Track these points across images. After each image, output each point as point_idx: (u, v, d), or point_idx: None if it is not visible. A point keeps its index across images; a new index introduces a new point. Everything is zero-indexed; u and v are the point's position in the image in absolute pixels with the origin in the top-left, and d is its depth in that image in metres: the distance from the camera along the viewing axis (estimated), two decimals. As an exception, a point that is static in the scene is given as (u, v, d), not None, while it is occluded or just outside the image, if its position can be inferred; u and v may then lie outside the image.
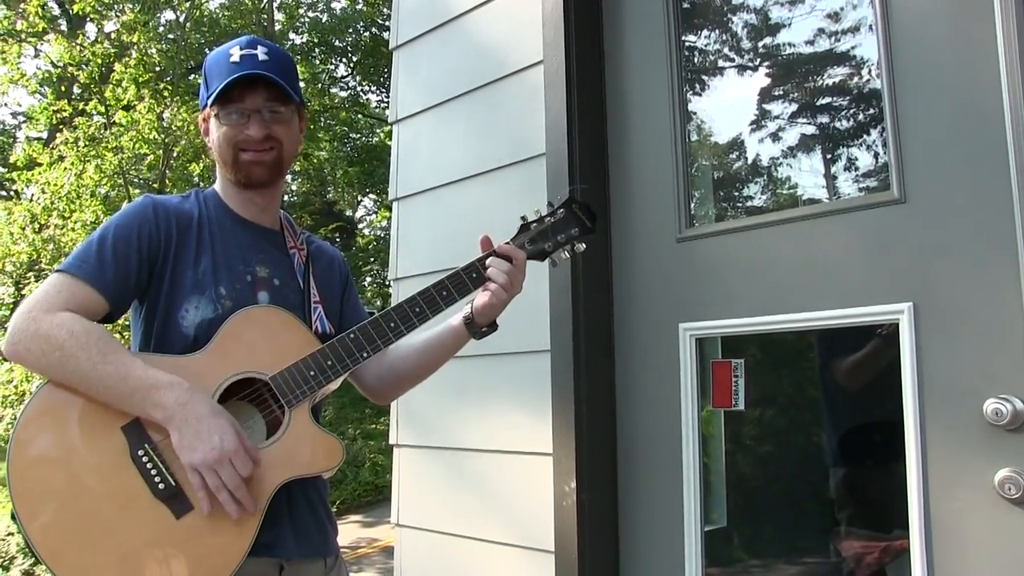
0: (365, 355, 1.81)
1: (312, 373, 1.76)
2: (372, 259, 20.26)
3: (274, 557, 1.77)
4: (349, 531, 10.81)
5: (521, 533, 2.67)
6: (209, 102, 1.85)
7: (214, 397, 1.71)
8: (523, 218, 1.95)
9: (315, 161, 20.10)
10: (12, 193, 16.83)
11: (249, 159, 1.87)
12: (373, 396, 2.13)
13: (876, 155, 2.19)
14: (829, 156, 2.34)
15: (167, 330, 1.81)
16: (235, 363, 1.75)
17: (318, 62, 20.88)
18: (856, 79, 2.25)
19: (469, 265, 1.88)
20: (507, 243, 1.91)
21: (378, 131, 21.59)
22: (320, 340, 1.82)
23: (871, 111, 2.22)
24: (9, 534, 9.41)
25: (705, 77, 2.63)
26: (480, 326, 1.94)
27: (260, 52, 1.87)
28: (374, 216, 23.56)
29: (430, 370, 2.07)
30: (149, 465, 1.66)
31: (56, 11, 17.73)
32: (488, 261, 1.88)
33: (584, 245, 1.96)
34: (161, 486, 1.66)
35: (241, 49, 1.86)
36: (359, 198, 23.80)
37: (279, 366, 1.75)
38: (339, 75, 22.33)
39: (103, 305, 1.76)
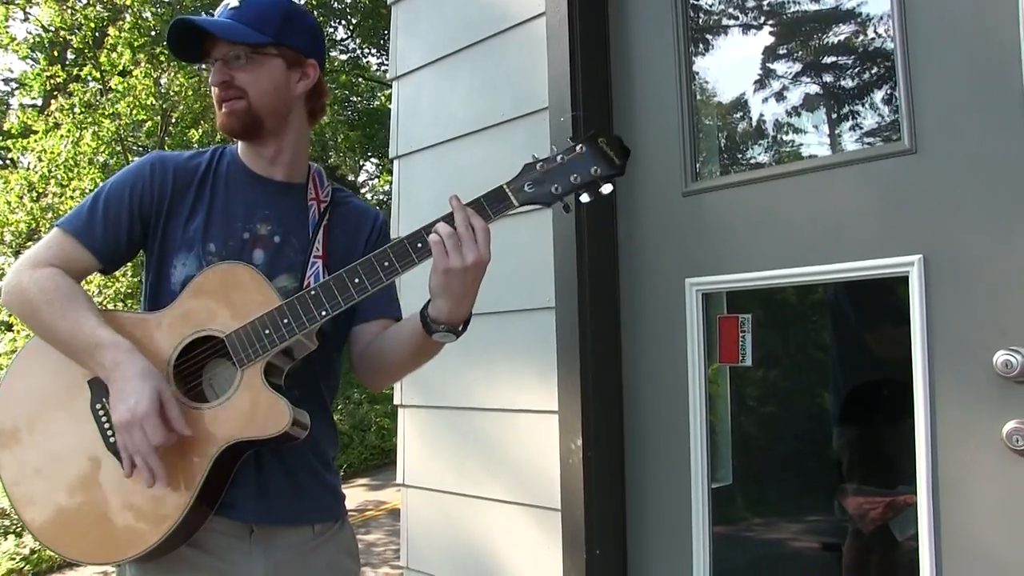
0: (323, 313, 1.66)
1: (267, 331, 1.67)
2: (375, 223, 20.19)
3: (234, 519, 1.76)
4: (356, 495, 10.88)
5: (527, 492, 2.67)
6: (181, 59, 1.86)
7: (174, 352, 1.72)
8: (533, 156, 1.67)
9: (316, 126, 19.97)
10: (8, 162, 16.72)
11: (223, 111, 1.83)
12: (356, 375, 1.96)
13: (886, 110, 2.16)
14: (836, 113, 2.31)
15: (159, 287, 1.82)
16: (195, 321, 1.73)
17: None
18: (864, 33, 2.22)
19: (447, 215, 1.63)
20: (502, 185, 1.66)
21: (379, 94, 21.47)
22: None
23: (880, 65, 2.19)
24: None
25: (710, 34, 2.59)
26: (432, 318, 1.66)
27: (239, 1, 1.81)
28: (376, 180, 23.48)
29: (397, 364, 1.88)
30: (104, 418, 1.70)
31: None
32: (435, 223, 1.62)
33: (610, 187, 1.64)
34: (112, 439, 1.68)
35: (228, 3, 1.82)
36: (361, 162, 23.70)
37: (238, 323, 1.70)
38: (338, 38, 22.15)
39: (91, 260, 1.80)
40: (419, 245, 1.63)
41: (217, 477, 1.68)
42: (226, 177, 1.88)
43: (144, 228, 1.83)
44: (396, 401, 3.19)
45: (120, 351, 1.66)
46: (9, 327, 11.36)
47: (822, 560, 2.50)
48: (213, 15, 1.85)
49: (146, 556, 1.67)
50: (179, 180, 1.84)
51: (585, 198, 1.65)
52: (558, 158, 1.65)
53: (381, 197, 21.88)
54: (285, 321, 1.68)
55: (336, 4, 21.23)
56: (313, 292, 1.68)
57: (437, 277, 1.60)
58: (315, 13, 19.89)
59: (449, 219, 1.62)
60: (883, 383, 2.41)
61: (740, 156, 2.57)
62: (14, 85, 19.42)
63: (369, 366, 1.91)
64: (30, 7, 16.26)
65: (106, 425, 1.69)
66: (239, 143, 1.93)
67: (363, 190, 23.51)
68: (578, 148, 1.65)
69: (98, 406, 1.70)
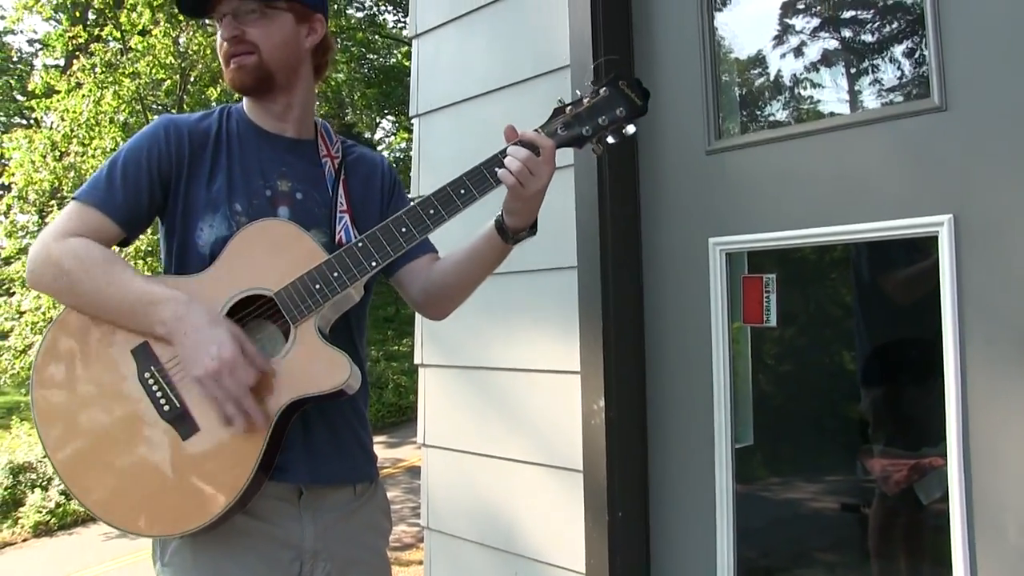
0: (374, 264, 1.70)
1: (318, 286, 1.67)
2: (393, 181, 20.20)
3: (288, 481, 1.75)
4: (374, 452, 10.98)
5: (549, 452, 2.67)
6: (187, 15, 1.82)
7: (221, 314, 1.68)
8: (560, 101, 1.74)
9: (332, 83, 19.93)
10: (32, 121, 16.82)
11: (232, 66, 1.80)
12: (423, 311, 2.02)
13: (913, 65, 2.11)
14: (862, 69, 2.26)
15: (185, 251, 1.79)
16: (240, 280, 1.71)
17: (334, -18, 20.58)
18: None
19: (491, 158, 1.70)
20: (536, 130, 1.70)
21: (395, 52, 21.37)
22: None
23: (906, 21, 2.13)
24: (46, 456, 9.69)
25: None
26: (512, 229, 1.75)
27: None
28: (393, 138, 23.44)
29: (472, 282, 1.91)
30: (155, 387, 1.66)
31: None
32: (507, 150, 1.67)
33: (633, 128, 1.71)
34: (167, 408, 1.65)
35: None
36: (377, 120, 23.66)
37: (285, 281, 1.69)
38: (355, -5, 22.04)
39: (115, 229, 1.75)
40: (462, 191, 1.69)
41: (274, 440, 1.66)
42: (238, 136, 1.86)
43: (164, 192, 1.79)
44: (417, 360, 3.19)
45: (179, 304, 1.64)
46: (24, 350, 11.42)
47: (845, 520, 2.49)
48: None
49: (208, 526, 1.63)
50: (194, 142, 1.82)
51: (611, 139, 1.72)
52: (584, 100, 1.72)
53: (397, 155, 21.84)
54: (335, 274, 1.69)
55: (353, -39, 21.10)
56: (360, 244, 1.70)
57: (517, 199, 1.69)
58: (333, -29, 19.78)
59: (505, 152, 1.67)
60: (910, 343, 2.38)
61: (761, 113, 2.53)
62: (38, 46, 19.52)
63: (439, 296, 1.95)
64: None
65: (158, 394, 1.65)
66: (245, 102, 1.92)
67: (380, 147, 23.48)
68: (602, 91, 1.72)
69: (147, 375, 1.66)
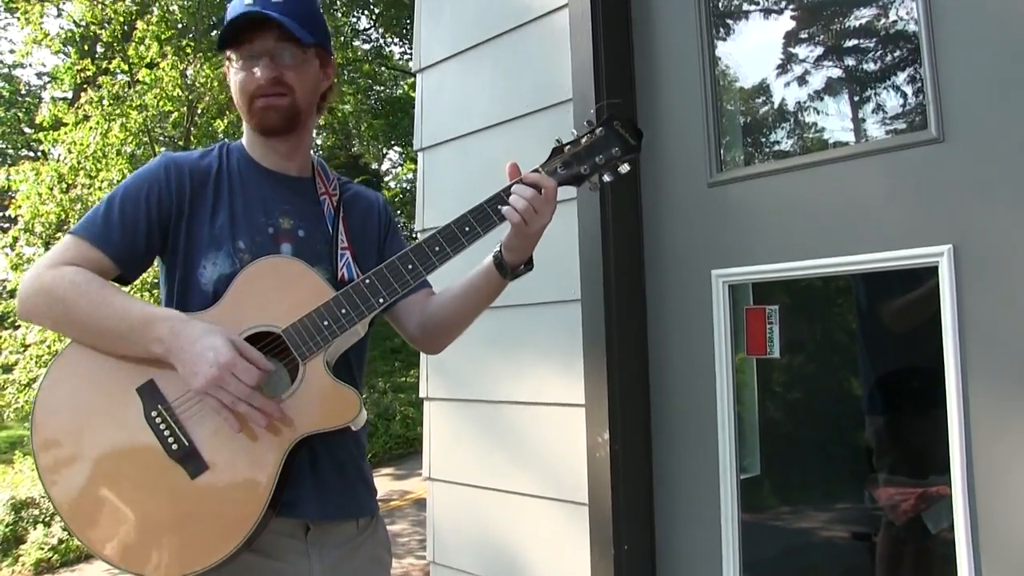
0: (381, 300, 1.72)
1: (325, 323, 1.69)
2: (399, 212, 20.22)
3: (297, 517, 1.75)
4: (381, 484, 10.79)
5: (554, 485, 2.67)
6: (218, 46, 1.81)
7: None
8: (558, 140, 1.80)
9: (339, 115, 20.03)
10: (39, 154, 16.90)
11: (262, 105, 1.82)
12: (418, 345, 2.05)
13: (913, 96, 2.13)
14: (861, 98, 2.28)
15: (188, 288, 1.79)
16: (248, 317, 1.71)
17: (340, 15, 20.72)
18: (890, 17, 2.19)
19: (494, 196, 1.74)
20: (536, 169, 1.77)
21: (402, 83, 21.50)
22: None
23: (905, 51, 2.15)
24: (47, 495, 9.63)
25: (731, 21, 2.56)
26: (510, 265, 1.81)
27: None
28: (400, 169, 23.52)
29: (469, 316, 1.96)
30: (163, 426, 1.66)
31: (77, -31, 17.65)
32: (512, 189, 1.73)
33: (628, 166, 1.78)
34: (175, 447, 1.65)
35: None
36: (384, 151, 23.74)
37: (292, 318, 1.70)
38: (361, 27, 22.20)
39: (110, 265, 1.76)
40: (467, 229, 1.72)
41: (283, 477, 1.67)
42: (240, 173, 1.88)
43: (163, 230, 1.80)
44: (422, 394, 3.19)
45: (175, 320, 1.66)
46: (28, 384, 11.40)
47: (852, 550, 2.48)
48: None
49: (218, 566, 1.63)
50: (195, 180, 1.83)
51: (607, 177, 1.79)
52: (582, 140, 1.78)
53: (405, 185, 21.90)
54: (343, 311, 1.71)
55: (359, -6, 21.27)
56: (368, 281, 1.73)
57: (519, 236, 1.75)
58: (338, 3, 19.98)
59: (509, 190, 1.73)
60: (913, 372, 2.38)
61: (764, 143, 2.54)
62: (46, 79, 19.66)
63: (436, 330, 1.98)
64: (63, 3, 16.42)
65: (166, 433, 1.65)
66: (247, 139, 1.94)
67: (387, 178, 23.57)
68: (598, 131, 1.78)
69: (154, 413, 1.66)
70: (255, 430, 1.66)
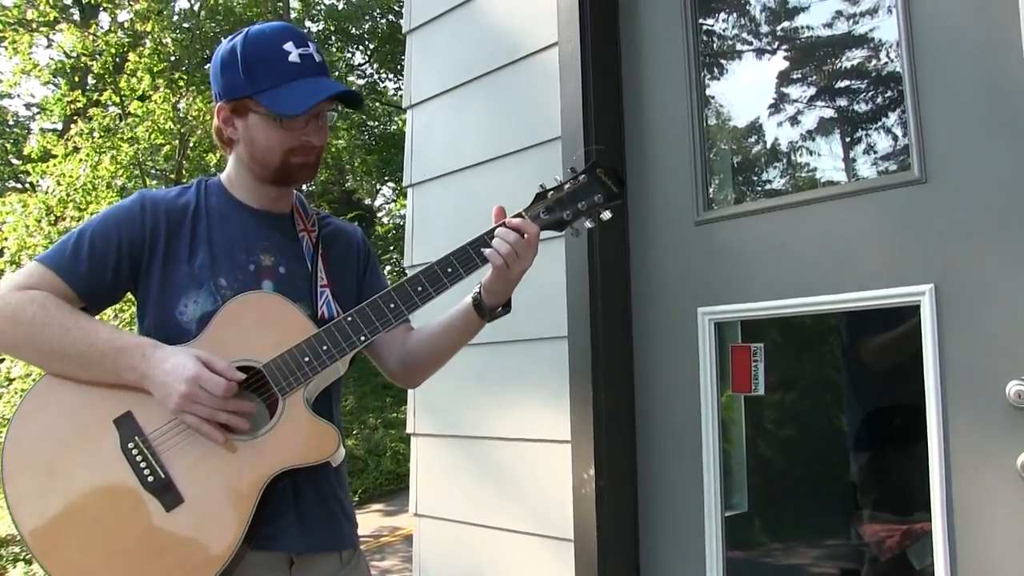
0: (363, 338, 1.73)
1: (307, 359, 1.70)
2: (392, 247, 20.24)
3: (281, 550, 1.75)
4: (371, 520, 10.83)
5: (540, 522, 2.66)
6: (283, 111, 1.76)
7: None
8: (541, 186, 1.82)
9: (333, 150, 20.10)
10: (27, 185, 16.87)
11: (300, 162, 1.82)
12: (397, 380, 2.06)
13: (896, 137, 2.16)
14: (848, 139, 2.31)
15: (167, 327, 1.77)
16: (228, 351, 1.71)
17: (335, 50, 20.87)
18: (875, 61, 2.22)
19: (477, 239, 1.76)
20: (519, 214, 1.79)
21: (396, 119, 21.57)
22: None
23: (890, 93, 2.19)
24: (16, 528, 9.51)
25: (723, 61, 2.59)
26: (489, 307, 1.83)
27: (312, 50, 1.80)
28: (393, 204, 23.56)
29: (447, 355, 1.98)
30: (139, 458, 1.65)
31: (68, 0, 17.72)
32: (496, 233, 1.75)
33: (610, 213, 1.81)
34: (151, 479, 1.64)
35: (295, 46, 1.78)
36: (378, 186, 23.77)
37: (274, 353, 1.70)
38: (356, 63, 22.33)
39: (74, 298, 1.75)
40: (449, 270, 1.75)
41: (259, 511, 1.66)
42: (219, 211, 1.87)
43: (134, 269, 1.79)
44: (409, 430, 3.19)
45: (147, 346, 1.67)
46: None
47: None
48: (288, 52, 1.79)
49: None
50: (172, 219, 1.82)
51: (589, 224, 1.82)
52: (565, 186, 1.81)
53: (398, 221, 21.91)
54: (325, 348, 1.72)
55: (354, 30, 21.41)
56: (350, 318, 1.74)
57: (500, 280, 1.78)
58: (333, 39, 20.13)
59: (492, 232, 1.75)
60: (899, 409, 2.39)
61: (754, 182, 2.57)
62: (35, 110, 19.65)
63: (414, 366, 2.00)
64: (53, 33, 16.47)
65: (142, 464, 1.64)
66: (229, 176, 1.93)
67: (380, 214, 23.58)
68: (581, 178, 1.81)
69: (130, 445, 1.65)
70: (234, 465, 1.65)
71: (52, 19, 15.69)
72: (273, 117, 1.78)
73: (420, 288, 1.75)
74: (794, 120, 2.40)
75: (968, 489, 1.89)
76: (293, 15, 20.11)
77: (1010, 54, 1.86)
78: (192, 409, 1.62)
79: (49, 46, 16.84)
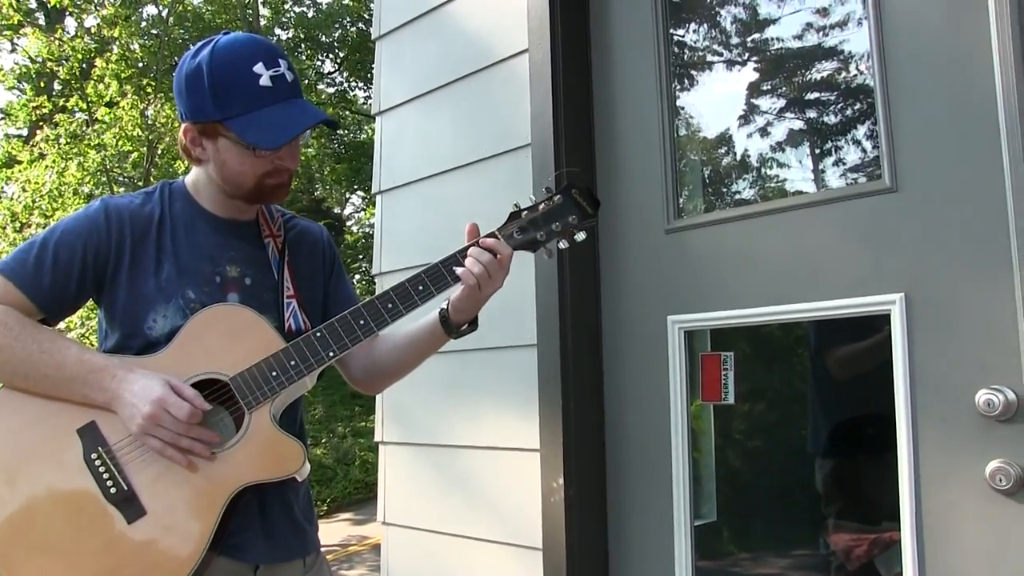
0: (331, 354, 1.73)
1: (274, 374, 1.69)
2: (361, 256, 20.23)
3: (246, 562, 1.74)
4: (340, 529, 10.78)
5: (509, 530, 2.64)
6: (257, 143, 1.71)
7: None
8: (515, 205, 1.80)
9: (302, 159, 19.99)
10: (-9, 192, 16.72)
11: (275, 183, 1.79)
12: (359, 387, 2.06)
13: (866, 148, 2.17)
14: (818, 150, 2.31)
15: (135, 340, 1.75)
16: (195, 364, 1.70)
17: (304, 58, 20.82)
18: (845, 73, 2.23)
19: (449, 257, 1.75)
20: (493, 233, 1.78)
21: (365, 128, 21.57)
22: (293, 338, 1.75)
23: (861, 104, 2.19)
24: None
25: (693, 71, 2.60)
26: (456, 324, 1.84)
27: (284, 68, 1.74)
28: (362, 213, 23.52)
29: (410, 366, 1.99)
30: (102, 469, 1.64)
31: (32, 3, 17.55)
32: (469, 252, 1.74)
33: (584, 234, 1.79)
34: (113, 490, 1.63)
35: (266, 67, 1.71)
36: (347, 195, 23.75)
37: (241, 366, 1.69)
38: (326, 71, 22.28)
39: (34, 310, 1.72)
40: (420, 288, 1.75)
41: (223, 524, 1.65)
42: (184, 220, 1.83)
43: (98, 281, 1.76)
44: (377, 438, 3.17)
45: (117, 367, 1.65)
46: None
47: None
48: (259, 75, 1.73)
49: None
50: (136, 230, 1.78)
51: (563, 244, 1.80)
52: (540, 207, 1.79)
53: (367, 230, 21.88)
54: (292, 363, 1.71)
55: (323, 38, 21.39)
56: (319, 334, 1.73)
57: (470, 298, 1.78)
58: (303, 47, 20.09)
59: (465, 251, 1.75)
60: (868, 418, 2.40)
61: (724, 192, 2.57)
62: (0, 115, 19.46)
63: (378, 375, 2.02)
64: (18, 38, 16.31)
65: (105, 476, 1.63)
66: (194, 182, 1.88)
67: (349, 223, 23.54)
68: (555, 199, 1.79)
69: (94, 456, 1.64)
70: (197, 479, 1.64)
71: (16, 23, 15.52)
72: (245, 144, 1.73)
73: (391, 305, 1.74)
74: (764, 132, 2.41)
75: (937, 498, 1.90)
76: (263, 22, 20.06)
77: (980, 63, 1.87)
78: (155, 432, 1.61)
79: (13, 51, 16.69)
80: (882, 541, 2.19)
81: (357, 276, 20.08)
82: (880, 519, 2.21)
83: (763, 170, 2.44)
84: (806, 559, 2.51)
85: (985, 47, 1.86)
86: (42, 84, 16.67)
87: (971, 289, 1.87)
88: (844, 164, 2.24)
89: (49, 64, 15.07)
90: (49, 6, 15.78)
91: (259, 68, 1.71)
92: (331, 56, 22.27)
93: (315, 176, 21.72)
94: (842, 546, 2.32)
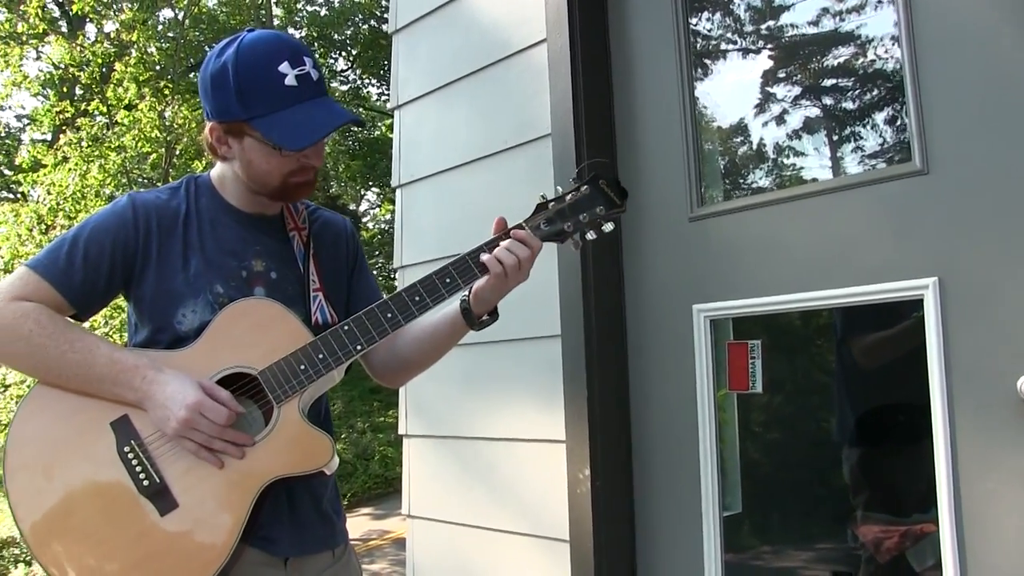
0: (359, 347, 1.72)
1: (302, 367, 1.69)
2: (377, 252, 20.25)
3: (276, 555, 1.75)
4: (360, 523, 10.81)
5: (535, 522, 2.63)
6: (284, 144, 1.71)
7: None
8: (542, 196, 1.78)
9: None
10: (19, 195, 16.89)
11: (300, 181, 1.79)
12: (381, 380, 2.05)
13: (896, 129, 2.13)
14: (844, 134, 2.28)
15: (165, 335, 1.75)
16: (224, 358, 1.70)
17: (318, 56, 20.86)
18: (865, 55, 2.19)
19: (475, 249, 1.74)
20: (520, 225, 1.76)
21: (379, 124, 21.58)
22: (320, 331, 1.75)
23: (883, 87, 2.16)
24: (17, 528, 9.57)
25: (712, 60, 2.57)
26: (477, 315, 1.82)
27: (309, 67, 1.74)
28: (378, 210, 23.56)
29: (432, 359, 1.98)
30: (135, 462, 1.64)
31: (56, 12, 17.72)
32: (500, 243, 1.73)
33: (612, 225, 1.76)
34: (146, 483, 1.63)
35: (291, 66, 1.71)
36: (362, 192, 23.77)
37: (269, 360, 1.69)
38: (339, 69, 22.32)
39: (66, 307, 1.72)
40: (447, 280, 1.73)
41: (253, 516, 1.66)
42: (210, 215, 1.84)
43: (126, 276, 1.76)
44: (401, 431, 3.16)
45: (149, 369, 1.65)
46: None
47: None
48: (285, 75, 1.72)
49: None
50: (163, 225, 1.78)
51: (591, 235, 1.78)
52: (566, 197, 1.77)
53: (383, 226, 21.93)
54: (320, 356, 1.71)
55: (336, 36, 21.43)
56: (347, 327, 1.72)
57: (494, 289, 1.76)
58: (315, 45, 20.14)
59: (494, 244, 1.74)
60: (899, 407, 2.36)
61: (744, 180, 2.54)
62: (26, 121, 19.68)
63: (399, 368, 2.00)
64: (42, 46, 16.48)
65: (138, 468, 1.64)
66: (220, 178, 1.88)
67: (364, 219, 23.58)
68: (583, 189, 1.77)
69: (126, 449, 1.65)
70: (227, 472, 1.65)
71: (41, 32, 15.68)
72: (272, 144, 1.73)
73: (418, 298, 1.73)
74: (784, 119, 2.38)
75: (977, 490, 1.86)
76: (276, 22, 20.11)
77: (1014, 41, 1.83)
78: (190, 435, 1.62)
79: (38, 58, 16.84)
80: (913, 533, 2.16)
81: (374, 272, 20.10)
82: (911, 511, 2.18)
83: (785, 157, 2.41)
84: (834, 552, 2.48)
85: (1019, 22, 1.82)
86: (64, 89, 16.81)
87: (1008, 272, 1.83)
88: (868, 149, 2.21)
89: (71, 70, 15.20)
90: (71, 13, 15.92)
91: (284, 67, 1.71)
92: (344, 54, 22.29)
93: (330, 173, 21.75)
94: (871, 538, 2.29)
